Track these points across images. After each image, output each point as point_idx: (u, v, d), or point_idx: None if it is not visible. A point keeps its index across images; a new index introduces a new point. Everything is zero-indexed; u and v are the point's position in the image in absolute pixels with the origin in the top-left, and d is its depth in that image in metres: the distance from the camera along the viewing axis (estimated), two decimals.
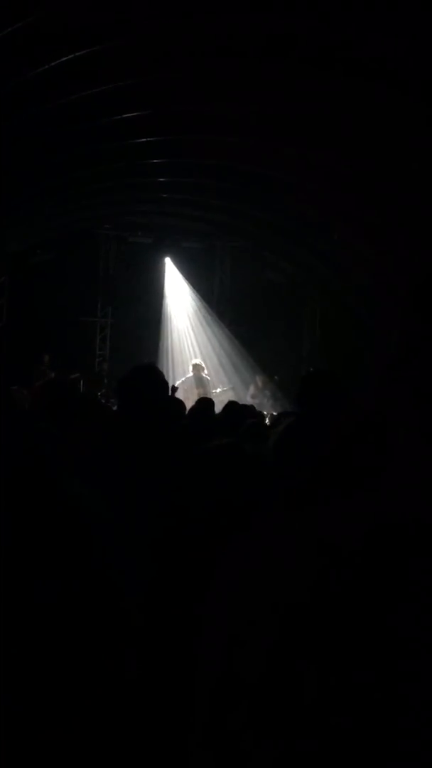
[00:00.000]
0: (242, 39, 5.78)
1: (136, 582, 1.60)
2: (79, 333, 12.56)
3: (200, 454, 1.54)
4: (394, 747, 0.62)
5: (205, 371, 11.75)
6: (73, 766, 1.20)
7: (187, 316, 13.30)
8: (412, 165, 6.79)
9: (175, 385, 9.37)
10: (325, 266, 10.65)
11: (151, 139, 7.99)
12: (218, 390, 11.58)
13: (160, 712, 1.22)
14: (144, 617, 1.39)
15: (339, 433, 1.38)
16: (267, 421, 6.37)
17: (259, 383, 11.99)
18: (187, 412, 5.12)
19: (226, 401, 5.71)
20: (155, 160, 8.86)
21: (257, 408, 7.62)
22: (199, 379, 11.36)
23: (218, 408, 5.55)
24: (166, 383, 2.59)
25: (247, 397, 11.26)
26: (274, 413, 8.54)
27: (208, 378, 11.69)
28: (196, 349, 12.99)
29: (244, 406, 5.57)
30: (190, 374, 11.50)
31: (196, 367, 11.60)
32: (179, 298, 13.31)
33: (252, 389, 11.96)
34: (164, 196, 10.78)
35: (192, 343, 13.14)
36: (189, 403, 5.79)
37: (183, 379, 11.39)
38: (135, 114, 7.19)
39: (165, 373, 7.07)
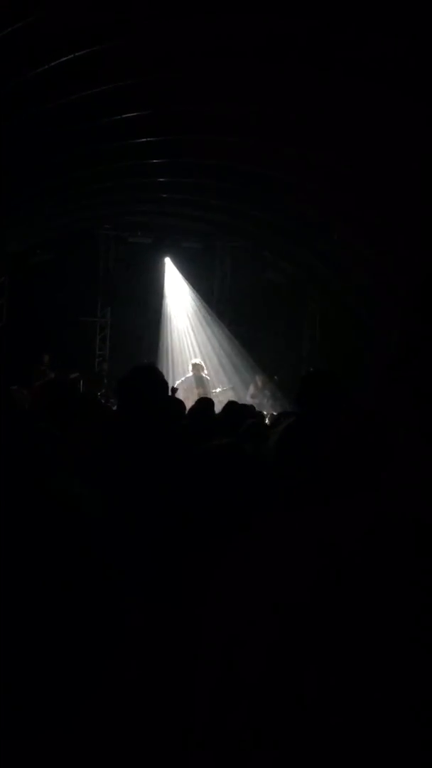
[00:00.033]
0: (242, 39, 5.78)
1: (136, 582, 1.60)
2: (79, 333, 12.56)
3: (200, 454, 1.54)
4: (395, 747, 0.62)
5: (205, 371, 11.75)
6: (73, 766, 1.20)
7: (186, 316, 13.30)
8: (412, 165, 6.79)
9: (175, 387, 9.37)
10: (325, 266, 10.65)
11: (151, 139, 7.99)
12: (218, 390, 11.59)
13: (160, 712, 1.22)
14: (144, 617, 1.39)
15: (339, 433, 1.38)
16: (267, 421, 6.37)
17: (259, 383, 12.00)
18: (186, 412, 5.12)
19: (226, 401, 5.71)
20: (155, 160, 8.86)
21: (257, 408, 7.63)
22: (199, 379, 11.36)
23: (218, 408, 5.56)
24: (166, 383, 2.59)
25: (246, 397, 11.27)
26: (274, 413, 8.54)
27: (208, 378, 11.69)
28: (196, 349, 12.99)
29: (244, 406, 5.57)
30: (190, 374, 11.50)
31: (196, 367, 11.61)
32: (179, 298, 13.31)
33: (252, 389, 11.96)
34: (164, 196, 10.78)
35: (192, 343, 13.14)
36: (189, 403, 5.79)
37: (183, 378, 11.40)
38: (135, 114, 7.19)
39: (165, 373, 7.08)
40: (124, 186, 10.08)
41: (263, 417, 6.61)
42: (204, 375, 11.59)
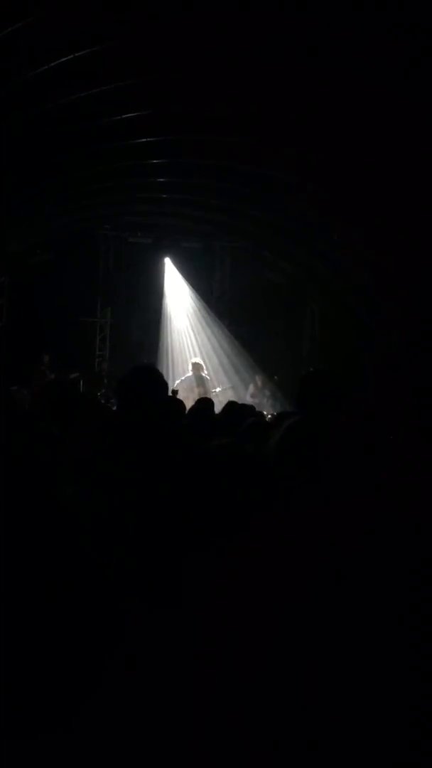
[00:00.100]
0: (242, 39, 5.78)
1: (136, 582, 1.60)
2: (79, 333, 12.56)
3: (200, 454, 1.54)
4: (395, 747, 0.63)
5: (205, 371, 11.75)
6: (73, 766, 1.20)
7: (186, 316, 13.31)
8: (412, 165, 6.79)
9: (175, 388, 9.38)
10: (325, 266, 10.65)
11: (151, 139, 7.99)
12: (218, 389, 11.59)
13: (160, 713, 1.22)
14: (144, 617, 1.39)
15: (339, 434, 1.39)
16: (267, 420, 6.37)
17: (259, 383, 12.00)
18: (186, 412, 5.12)
19: (226, 401, 5.71)
20: (155, 161, 8.86)
21: (256, 408, 7.62)
22: (199, 378, 11.37)
23: (218, 407, 5.56)
24: (166, 383, 2.60)
25: (246, 397, 11.27)
26: (274, 413, 8.55)
27: (208, 377, 11.70)
28: (196, 349, 13.00)
29: (244, 405, 5.57)
30: (190, 373, 11.50)
31: (196, 366, 11.61)
32: (179, 298, 13.31)
33: (251, 389, 11.97)
34: (164, 196, 10.78)
35: (192, 343, 13.15)
36: (189, 403, 5.79)
37: (182, 378, 11.40)
38: (135, 114, 7.20)
39: (165, 373, 7.09)
40: (124, 186, 10.09)
41: (263, 417, 6.61)
42: (204, 374, 11.59)
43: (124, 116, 7.20)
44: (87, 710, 1.23)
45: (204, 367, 11.80)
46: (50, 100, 6.63)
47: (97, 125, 7.44)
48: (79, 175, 8.96)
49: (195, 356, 12.38)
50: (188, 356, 12.62)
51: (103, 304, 13.06)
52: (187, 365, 12.01)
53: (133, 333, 12.92)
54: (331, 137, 7.18)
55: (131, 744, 1.23)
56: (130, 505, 1.93)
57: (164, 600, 1.39)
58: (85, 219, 12.01)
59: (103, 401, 8.98)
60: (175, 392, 8.55)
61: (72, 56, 5.83)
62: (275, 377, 12.06)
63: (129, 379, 2.49)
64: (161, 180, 9.89)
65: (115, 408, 3.70)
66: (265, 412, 8.43)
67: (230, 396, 10.81)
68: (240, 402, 6.37)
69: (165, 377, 2.63)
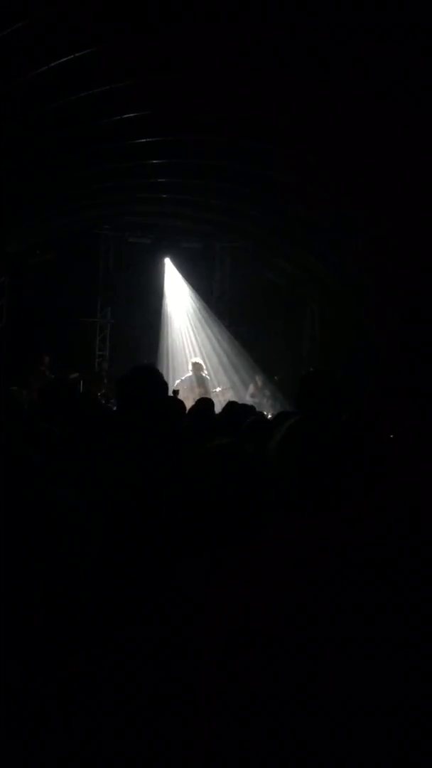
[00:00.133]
0: (242, 40, 5.79)
1: (135, 582, 1.60)
2: (79, 333, 12.56)
3: (200, 454, 1.53)
4: (395, 748, 0.63)
5: (205, 371, 11.75)
6: (70, 763, 1.20)
7: (186, 316, 13.31)
8: (411, 166, 6.79)
9: (176, 388, 9.37)
10: (325, 266, 10.65)
11: (151, 139, 7.99)
12: (218, 389, 11.59)
13: (160, 713, 1.22)
14: (143, 618, 1.39)
15: (341, 434, 1.38)
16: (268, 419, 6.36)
17: (259, 383, 12.00)
18: (186, 412, 5.12)
19: (226, 401, 5.71)
20: (155, 161, 8.86)
21: (257, 408, 7.62)
22: (199, 378, 11.36)
23: (218, 407, 5.55)
24: (166, 384, 2.59)
25: (246, 397, 11.27)
26: (273, 414, 8.55)
27: (208, 377, 11.69)
28: (196, 349, 13.00)
29: (244, 405, 5.57)
30: (190, 373, 11.50)
31: (196, 366, 11.60)
32: (179, 298, 13.31)
33: (251, 389, 11.97)
34: (164, 196, 10.78)
35: (191, 343, 13.15)
36: (189, 403, 5.79)
37: (183, 378, 11.39)
38: (135, 114, 7.20)
39: (165, 373, 7.08)
40: (124, 186, 10.09)
41: (264, 417, 6.61)
42: (204, 374, 11.59)
43: (124, 116, 7.20)
44: (87, 710, 1.23)
45: (204, 367, 11.80)
46: (50, 101, 6.63)
47: (97, 125, 7.44)
48: (79, 175, 8.96)
49: (195, 356, 12.38)
50: (188, 356, 12.62)
51: (103, 304, 13.06)
52: (187, 365, 12.00)
53: (133, 333, 12.92)
54: (331, 139, 7.18)
55: (132, 744, 1.22)
56: (130, 506, 1.93)
57: (164, 601, 1.38)
58: (85, 219, 12.01)
59: (103, 401, 8.98)
60: (176, 392, 8.54)
61: (72, 56, 5.84)
62: (275, 377, 12.06)
63: (129, 379, 2.49)
64: (161, 180, 9.89)
65: (115, 408, 3.70)
66: (265, 413, 8.43)
67: (230, 396, 10.81)
68: (240, 402, 6.37)
69: (165, 377, 2.63)
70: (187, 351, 12.98)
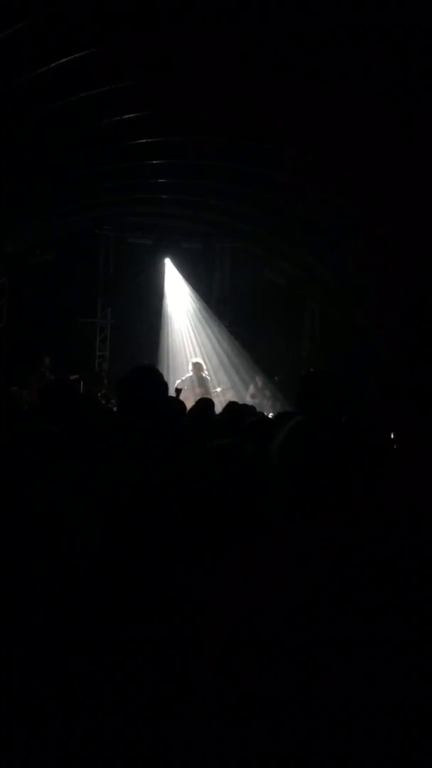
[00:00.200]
0: (242, 41, 5.79)
1: (134, 583, 1.60)
2: (79, 334, 12.56)
3: (201, 454, 1.53)
4: (396, 748, 0.63)
5: (205, 371, 11.75)
6: (70, 763, 1.20)
7: (186, 316, 13.31)
8: (411, 166, 6.79)
9: (179, 387, 9.36)
10: (325, 266, 10.65)
11: (151, 140, 7.99)
12: (219, 389, 11.59)
13: (160, 713, 1.22)
14: (143, 618, 1.39)
15: (342, 434, 1.38)
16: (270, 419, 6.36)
17: (259, 384, 12.00)
18: (186, 412, 5.11)
19: (226, 401, 5.71)
20: (155, 161, 8.86)
21: (257, 409, 7.62)
22: (199, 378, 11.36)
23: (218, 407, 5.55)
24: (166, 384, 2.59)
25: (246, 398, 11.27)
26: (274, 414, 8.55)
27: (208, 377, 11.69)
28: (196, 349, 13.00)
29: (245, 405, 5.57)
30: (190, 373, 11.49)
31: (196, 366, 11.60)
32: (179, 298, 13.31)
33: (252, 389, 11.97)
34: (164, 197, 10.79)
35: (192, 344, 13.15)
36: (189, 403, 5.79)
37: (183, 378, 11.39)
38: (135, 115, 7.20)
39: (165, 373, 7.08)
40: (124, 187, 10.09)
41: (264, 417, 6.61)
42: (204, 374, 11.59)
43: (124, 117, 7.20)
44: (87, 711, 1.23)
45: (204, 368, 11.79)
46: (50, 101, 6.63)
47: (97, 126, 7.44)
48: (79, 175, 8.96)
49: (195, 356, 12.38)
50: (188, 356, 12.62)
51: (104, 304, 13.06)
52: (187, 365, 12.00)
53: (134, 333, 12.92)
54: (331, 138, 7.18)
55: (131, 745, 1.22)
56: (129, 506, 1.93)
57: (163, 602, 1.39)
58: (86, 220, 12.02)
59: (103, 402, 8.98)
60: (178, 391, 8.53)
61: (72, 57, 5.84)
62: (275, 378, 12.06)
63: (129, 380, 2.49)
64: (161, 181, 9.89)
65: (115, 408, 3.70)
66: (265, 413, 8.43)
67: (231, 396, 10.81)
68: (240, 402, 6.37)
69: (165, 377, 2.63)
70: (187, 351, 12.99)
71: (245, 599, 0.73)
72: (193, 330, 13.24)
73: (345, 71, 5.93)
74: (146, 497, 1.93)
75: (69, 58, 5.84)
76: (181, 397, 7.37)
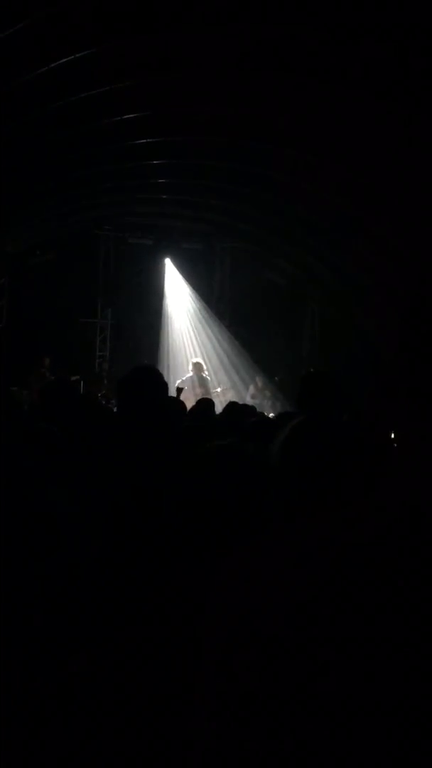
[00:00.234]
0: (242, 41, 5.79)
1: (135, 582, 1.60)
2: (79, 334, 12.56)
3: (201, 454, 1.53)
4: (396, 745, 0.63)
5: (206, 371, 11.75)
6: (70, 763, 1.20)
7: (187, 316, 13.31)
8: (411, 166, 6.79)
9: (181, 386, 9.34)
10: (325, 266, 10.66)
11: (151, 140, 7.99)
12: (219, 389, 11.59)
13: (160, 714, 1.22)
14: (143, 617, 1.39)
15: (343, 435, 1.38)
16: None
17: (259, 384, 12.00)
18: (187, 412, 5.11)
19: (226, 401, 5.71)
20: (155, 161, 8.86)
21: (257, 409, 7.62)
22: (200, 379, 11.35)
23: (219, 407, 5.55)
24: (166, 384, 2.59)
25: (247, 398, 11.27)
26: (273, 414, 8.55)
27: (208, 377, 11.69)
28: (196, 349, 13.01)
29: (245, 406, 5.57)
30: (191, 374, 11.49)
31: (197, 366, 11.59)
32: (179, 298, 13.32)
33: (252, 390, 11.97)
34: (164, 197, 10.79)
35: (192, 344, 13.16)
36: (189, 403, 5.79)
37: (183, 378, 11.39)
38: (135, 115, 7.20)
39: (165, 373, 7.09)
40: (124, 187, 10.09)
41: (265, 417, 6.61)
42: (204, 375, 11.59)
43: (124, 117, 7.20)
44: (87, 711, 1.23)
45: (204, 368, 11.79)
46: (51, 101, 6.63)
47: (97, 126, 7.45)
48: (79, 175, 8.96)
49: (195, 356, 12.38)
50: (188, 356, 12.62)
51: (104, 305, 13.06)
52: (188, 365, 12.00)
53: (134, 334, 12.92)
54: (331, 138, 7.18)
55: (131, 745, 1.22)
56: (129, 506, 1.93)
57: (163, 603, 1.39)
58: (86, 220, 12.02)
59: (103, 402, 8.98)
60: (180, 390, 8.52)
61: (72, 57, 5.84)
62: (276, 378, 12.06)
63: (129, 380, 2.49)
64: (161, 181, 9.89)
65: (115, 408, 3.70)
66: (265, 413, 8.43)
67: (231, 396, 10.82)
68: (240, 402, 6.37)
69: (165, 377, 2.63)
70: (187, 351, 12.99)
71: (245, 599, 0.73)
72: (193, 330, 13.25)
73: (345, 71, 5.93)
74: (146, 497, 1.93)
75: (69, 58, 5.84)
76: (182, 397, 7.37)
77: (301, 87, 6.41)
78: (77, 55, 5.83)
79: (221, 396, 10.87)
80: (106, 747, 1.22)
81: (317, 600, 0.67)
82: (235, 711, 0.68)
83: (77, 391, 7.91)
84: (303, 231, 10.01)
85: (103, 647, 1.35)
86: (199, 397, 6.82)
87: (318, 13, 5.27)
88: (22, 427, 2.77)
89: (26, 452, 2.21)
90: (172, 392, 7.78)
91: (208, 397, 7.65)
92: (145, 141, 8.00)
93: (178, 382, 10.66)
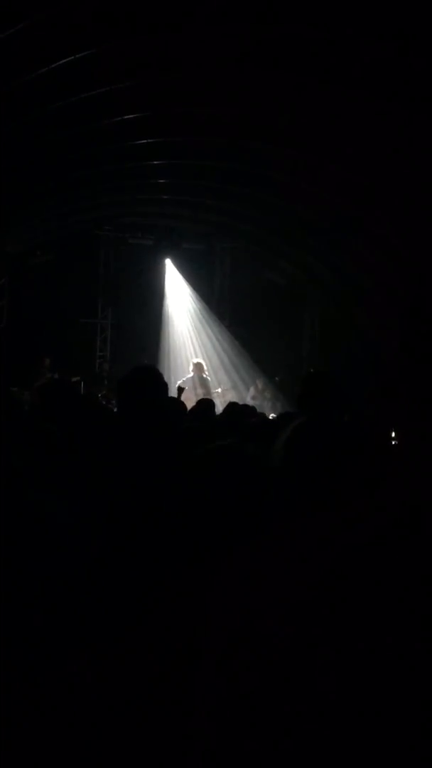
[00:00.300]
0: (242, 41, 5.78)
1: (135, 582, 1.60)
2: (80, 334, 12.56)
3: (201, 454, 1.53)
4: (396, 745, 0.63)
5: (206, 371, 11.74)
6: (70, 763, 1.20)
7: (187, 316, 13.32)
8: (411, 166, 6.79)
9: (182, 385, 9.33)
10: (325, 266, 10.66)
11: (151, 140, 7.99)
12: (219, 390, 11.59)
13: (159, 714, 1.22)
14: (143, 618, 1.39)
15: (345, 435, 1.38)
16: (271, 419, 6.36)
17: (260, 386, 12.00)
18: (187, 412, 5.11)
19: (227, 401, 5.71)
20: (155, 162, 8.87)
21: (258, 410, 7.62)
22: (200, 379, 11.35)
23: (219, 407, 5.55)
24: (166, 384, 2.59)
25: (247, 399, 11.27)
26: (273, 415, 8.54)
27: (209, 378, 11.69)
28: (197, 349, 13.01)
29: (245, 406, 5.57)
30: (191, 374, 11.49)
31: (197, 367, 11.58)
32: (179, 299, 13.32)
33: (252, 391, 11.96)
34: (164, 197, 10.79)
35: (192, 344, 13.16)
36: (190, 404, 5.79)
37: (184, 378, 11.38)
38: (135, 116, 7.20)
39: (165, 373, 7.10)
40: (124, 187, 10.09)
41: (266, 417, 6.61)
42: (205, 375, 11.58)
43: (124, 117, 7.20)
44: (86, 711, 1.23)
45: (205, 368, 11.79)
46: (51, 102, 6.64)
47: (98, 127, 7.45)
48: (79, 175, 8.97)
49: (196, 357, 12.37)
50: (189, 357, 12.62)
51: (104, 305, 13.07)
52: (188, 366, 12.00)
53: (134, 334, 12.92)
54: (331, 138, 7.18)
55: (131, 745, 1.22)
56: (129, 507, 1.93)
57: (164, 601, 1.39)
58: (86, 220, 12.02)
59: (103, 402, 8.98)
60: (181, 390, 8.52)
61: (72, 57, 5.84)
62: (276, 378, 12.06)
63: (129, 380, 2.49)
64: (161, 181, 9.89)
65: (115, 409, 3.70)
66: (265, 414, 8.43)
67: (231, 396, 10.82)
68: (241, 403, 6.37)
69: (165, 378, 2.63)
70: (187, 351, 13.00)
71: (245, 599, 0.73)
72: (193, 330, 13.25)
73: (345, 71, 5.93)
74: (146, 497, 1.93)
75: (69, 58, 5.84)
76: (183, 397, 7.36)
77: (301, 87, 6.41)
78: (77, 56, 5.83)
79: (221, 396, 10.87)
80: (106, 747, 1.22)
81: (317, 600, 0.67)
82: (235, 711, 0.68)
83: (77, 392, 7.92)
84: (303, 231, 10.00)
85: (103, 647, 1.35)
86: (199, 398, 6.82)
87: (318, 12, 5.27)
88: (22, 427, 2.77)
89: (26, 452, 2.21)
90: (173, 392, 7.78)
91: (209, 397, 7.65)
92: (145, 141, 8.00)
93: (179, 382, 10.66)
